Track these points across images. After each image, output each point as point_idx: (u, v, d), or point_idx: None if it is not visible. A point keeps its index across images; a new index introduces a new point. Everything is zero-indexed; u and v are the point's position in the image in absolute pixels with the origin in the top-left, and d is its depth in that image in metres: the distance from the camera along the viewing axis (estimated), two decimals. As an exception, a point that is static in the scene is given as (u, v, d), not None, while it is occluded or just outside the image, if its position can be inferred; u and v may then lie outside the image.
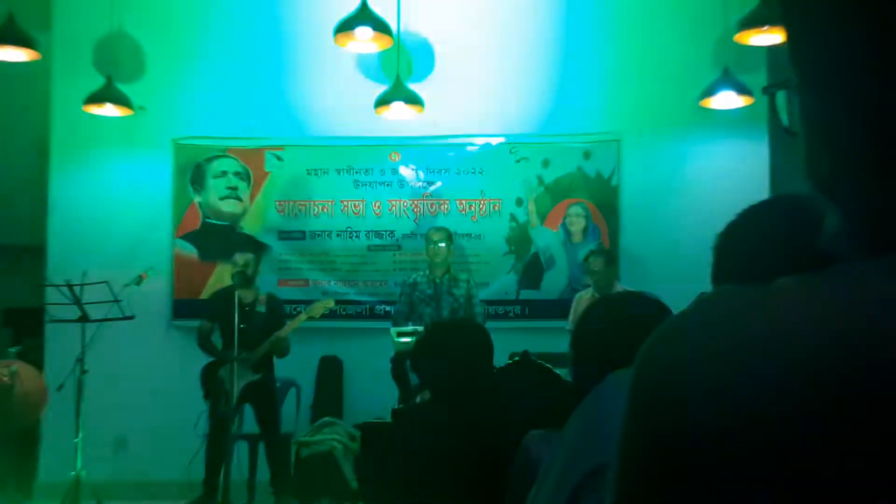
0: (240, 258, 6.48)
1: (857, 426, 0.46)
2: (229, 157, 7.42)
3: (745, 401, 0.49)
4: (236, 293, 6.08)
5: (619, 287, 6.24)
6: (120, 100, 6.86)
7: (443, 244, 6.50)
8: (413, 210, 7.36)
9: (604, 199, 7.26)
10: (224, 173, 7.43)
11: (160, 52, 7.41)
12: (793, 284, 0.52)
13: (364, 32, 6.17)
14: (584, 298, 6.37)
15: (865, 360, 0.47)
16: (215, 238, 7.35)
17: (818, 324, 0.49)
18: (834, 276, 0.52)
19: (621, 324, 1.85)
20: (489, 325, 5.98)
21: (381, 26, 6.12)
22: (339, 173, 7.38)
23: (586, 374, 1.87)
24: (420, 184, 7.38)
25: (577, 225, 7.27)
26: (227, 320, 6.04)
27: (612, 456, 0.56)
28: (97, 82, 6.87)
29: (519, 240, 7.32)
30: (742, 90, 6.53)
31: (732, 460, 0.48)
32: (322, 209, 7.37)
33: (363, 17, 6.10)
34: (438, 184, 7.36)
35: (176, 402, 6.68)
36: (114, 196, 7.32)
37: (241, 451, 6.43)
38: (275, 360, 6.47)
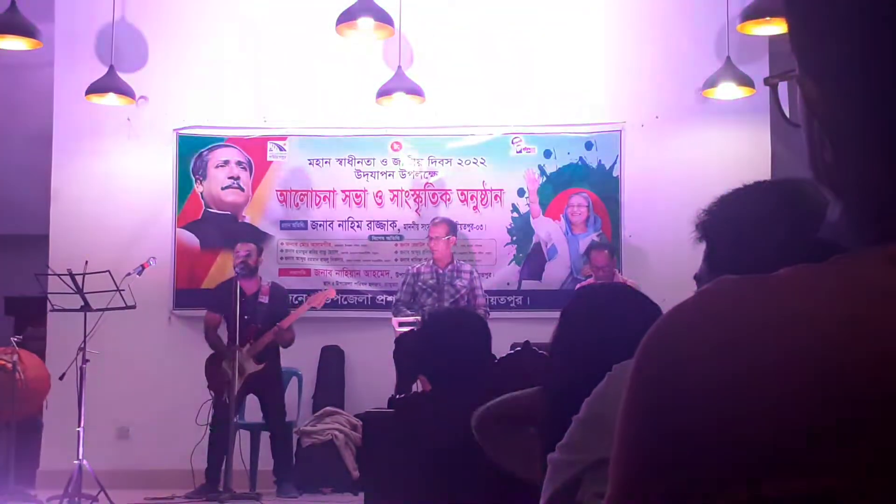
0: (241, 248, 6.48)
1: (859, 417, 0.46)
2: (231, 146, 7.41)
3: (746, 391, 0.49)
4: (238, 283, 6.08)
5: (620, 278, 6.24)
6: (122, 89, 6.85)
7: (443, 238, 6.44)
8: (415, 200, 7.36)
9: (605, 190, 7.25)
10: (226, 163, 7.42)
11: (162, 42, 7.40)
12: (795, 275, 0.52)
13: (366, 23, 6.17)
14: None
15: (868, 352, 0.47)
16: (217, 228, 7.35)
17: (821, 315, 0.49)
18: (836, 267, 0.52)
19: (603, 320, 1.83)
20: (491, 315, 6.00)
21: (382, 16, 6.11)
22: (340, 163, 7.37)
23: (562, 370, 1.85)
24: (422, 174, 7.37)
25: (579, 215, 7.26)
26: (230, 311, 6.05)
27: (612, 447, 0.56)
28: (99, 72, 6.87)
29: (521, 230, 7.31)
30: (744, 81, 6.51)
31: (734, 449, 0.48)
32: (324, 199, 7.36)
33: (365, 7, 6.09)
34: (440, 174, 7.36)
35: (178, 392, 6.69)
36: (116, 185, 7.32)
37: (242, 440, 6.45)
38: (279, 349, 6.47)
